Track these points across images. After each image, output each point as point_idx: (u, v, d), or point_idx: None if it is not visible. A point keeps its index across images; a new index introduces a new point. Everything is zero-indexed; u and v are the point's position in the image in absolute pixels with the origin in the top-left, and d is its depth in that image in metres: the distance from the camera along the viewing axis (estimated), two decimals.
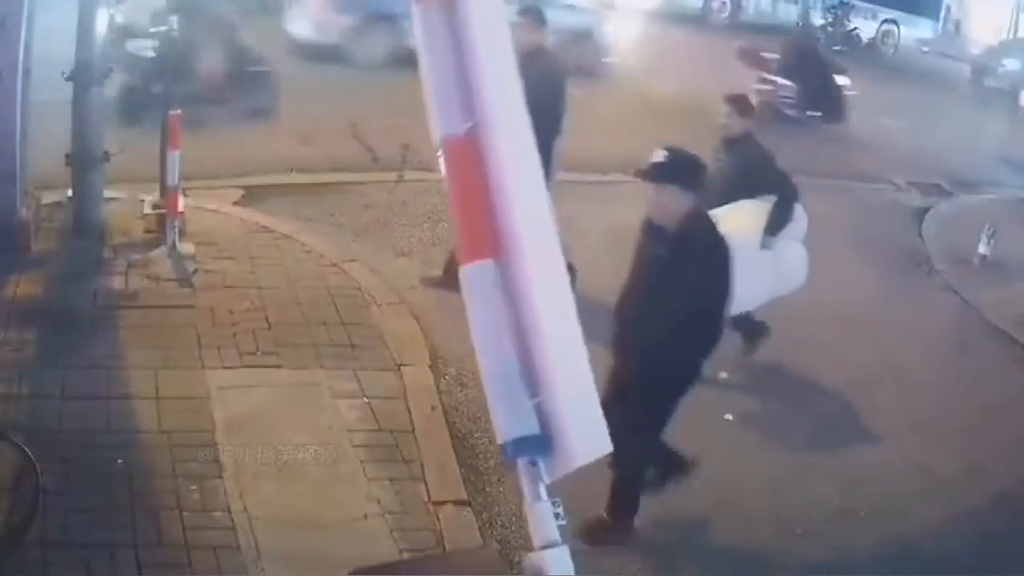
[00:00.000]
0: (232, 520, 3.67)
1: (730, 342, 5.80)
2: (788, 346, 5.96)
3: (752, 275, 4.99)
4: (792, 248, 5.41)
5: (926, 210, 9.00)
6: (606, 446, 1.75)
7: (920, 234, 8.35)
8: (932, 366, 6.07)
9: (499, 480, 4.30)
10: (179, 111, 5.58)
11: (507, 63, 1.65)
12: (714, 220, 3.92)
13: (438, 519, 3.88)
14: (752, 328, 5.57)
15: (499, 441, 1.77)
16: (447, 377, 4.98)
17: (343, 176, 7.38)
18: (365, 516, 3.82)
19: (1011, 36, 20.80)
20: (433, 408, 4.64)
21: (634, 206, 4.02)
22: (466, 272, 1.74)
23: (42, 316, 4.77)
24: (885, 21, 20.53)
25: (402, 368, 4.88)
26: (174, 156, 5.57)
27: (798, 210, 5.38)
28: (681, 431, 4.87)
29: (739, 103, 5.39)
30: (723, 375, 5.49)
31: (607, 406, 1.94)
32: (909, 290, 7.21)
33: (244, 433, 4.14)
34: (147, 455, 3.92)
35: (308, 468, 4.01)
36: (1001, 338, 6.64)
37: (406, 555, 3.67)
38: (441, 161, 1.76)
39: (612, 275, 4.31)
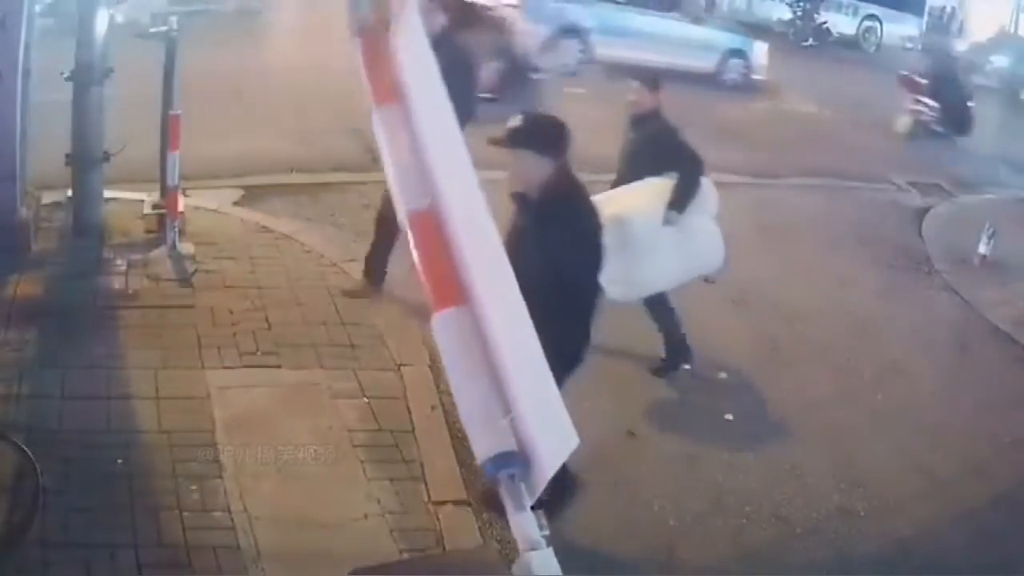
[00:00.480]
0: (232, 520, 3.67)
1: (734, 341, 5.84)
2: (788, 345, 5.98)
3: (656, 253, 4.94)
4: (703, 225, 5.20)
5: (926, 210, 9.00)
6: (573, 441, 1.82)
7: (920, 234, 8.35)
8: (932, 366, 6.08)
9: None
10: (179, 111, 5.57)
11: (454, 149, 1.95)
12: (581, 186, 3.77)
13: (438, 519, 3.88)
14: (669, 323, 5.36)
15: (479, 461, 1.89)
16: (447, 377, 4.96)
17: (343, 176, 7.38)
18: (365, 516, 3.82)
19: (1008, 32, 20.70)
20: (433, 408, 4.63)
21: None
22: (438, 318, 1.94)
23: (42, 316, 4.77)
24: (867, 17, 19.99)
25: (402, 368, 4.88)
26: (174, 156, 5.57)
27: (707, 186, 5.20)
28: (681, 431, 4.91)
29: (649, 79, 5.24)
30: (723, 375, 5.51)
31: None
32: (909, 290, 7.22)
33: (244, 433, 4.14)
34: (147, 455, 3.92)
35: (308, 468, 4.00)
36: (1001, 338, 6.64)
37: (406, 555, 3.67)
38: (408, 231, 2.01)
39: None
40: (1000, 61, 17.91)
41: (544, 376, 1.85)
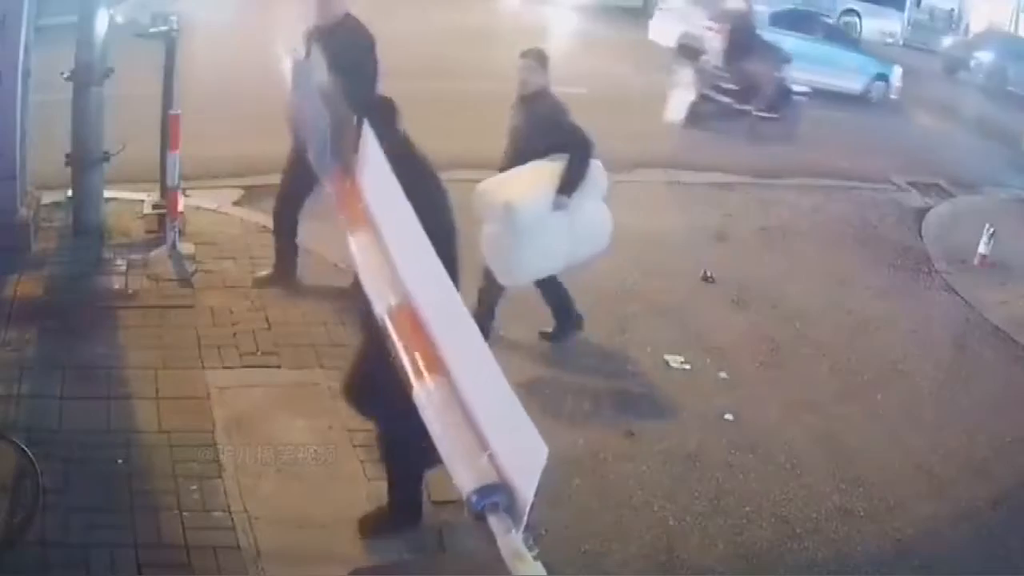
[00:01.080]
0: (232, 520, 3.67)
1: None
2: (788, 345, 5.98)
3: (545, 239, 4.90)
4: (592, 208, 5.13)
5: (926, 210, 9.00)
6: (543, 454, 1.97)
7: (920, 234, 8.35)
8: (932, 366, 6.08)
9: None
10: (179, 111, 5.57)
11: (418, 253, 2.32)
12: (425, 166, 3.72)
13: (438, 519, 3.88)
14: (561, 304, 5.40)
15: (463, 496, 2.05)
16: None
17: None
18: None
19: (993, 27, 20.63)
20: None
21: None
22: (420, 387, 2.21)
23: (42, 316, 4.77)
24: (846, 11, 19.36)
25: None
26: (174, 156, 5.56)
27: (596, 167, 5.12)
28: (682, 431, 4.91)
29: (537, 56, 5.07)
30: (723, 375, 5.51)
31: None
32: (909, 290, 7.22)
33: (244, 433, 4.14)
34: (147, 455, 3.92)
35: (308, 468, 4.00)
36: (1001, 338, 6.64)
37: (406, 555, 3.67)
38: (388, 325, 2.34)
39: None
40: (984, 57, 17.75)
41: (511, 405, 2.05)
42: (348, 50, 4.87)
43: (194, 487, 3.78)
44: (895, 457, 5.02)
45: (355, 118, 2.74)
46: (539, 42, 5.95)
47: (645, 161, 8.82)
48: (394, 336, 2.34)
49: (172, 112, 5.60)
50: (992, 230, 7.72)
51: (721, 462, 4.72)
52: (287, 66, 3.42)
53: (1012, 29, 20.79)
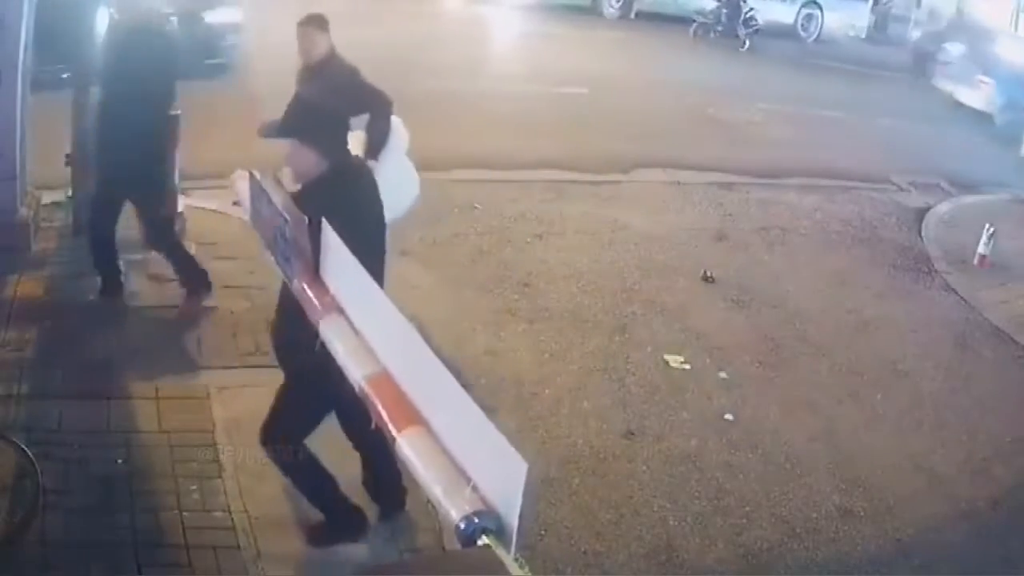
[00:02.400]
0: (232, 520, 3.67)
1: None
2: (788, 345, 5.98)
3: None
4: (396, 163, 4.89)
5: (926, 210, 9.00)
6: (522, 468, 2.03)
7: (920, 234, 8.35)
8: (932, 366, 6.07)
9: None
10: (179, 112, 5.57)
11: (387, 328, 2.56)
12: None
13: (438, 519, 3.87)
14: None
15: (453, 526, 2.11)
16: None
17: None
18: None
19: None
20: None
21: None
22: (402, 438, 2.36)
23: (42, 316, 4.77)
24: (807, 4, 18.38)
25: None
26: (174, 156, 5.55)
27: (396, 123, 4.90)
28: (682, 431, 4.91)
29: (317, 22, 4.87)
30: (723, 375, 5.51)
31: None
32: (909, 290, 7.22)
33: (244, 433, 4.13)
34: (147, 455, 3.92)
35: None
36: (1001, 338, 6.64)
37: (406, 555, 3.67)
38: (368, 391, 2.49)
39: None
40: (954, 49, 16.77)
41: (485, 429, 2.17)
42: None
43: (194, 487, 3.79)
44: (895, 457, 5.03)
45: (309, 219, 2.86)
46: (500, 43, 5.95)
47: (645, 160, 8.84)
48: (375, 401, 2.50)
49: (172, 112, 5.59)
50: (992, 230, 7.72)
51: (721, 462, 4.72)
52: (241, 186, 3.41)
53: (1012, 29, 20.65)
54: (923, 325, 6.62)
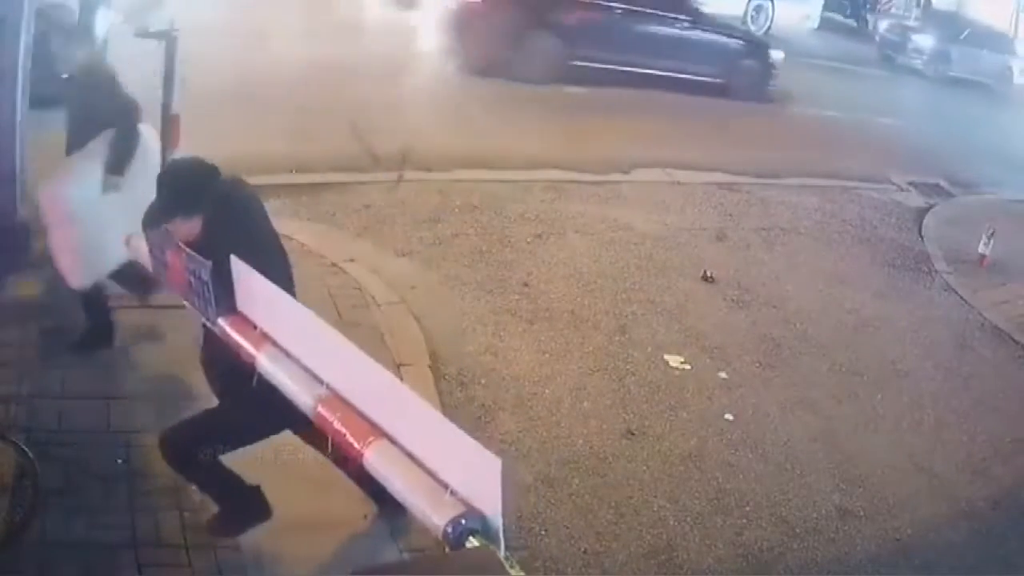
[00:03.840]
0: None
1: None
2: (788, 345, 5.98)
3: (103, 229, 4.24)
4: (147, 178, 4.28)
5: (926, 210, 9.01)
6: (496, 464, 2.11)
7: (920, 234, 8.36)
8: (932, 366, 6.08)
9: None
10: (179, 111, 5.57)
11: (323, 341, 2.69)
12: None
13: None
14: (95, 296, 4.63)
15: (439, 534, 2.16)
16: (447, 377, 4.98)
17: (343, 176, 7.38)
18: (365, 516, 3.81)
19: (1014, 29, 20.38)
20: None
21: None
22: (368, 452, 2.39)
23: (42, 316, 4.77)
24: None
25: (402, 368, 4.88)
26: (173, 156, 5.55)
27: (147, 132, 4.62)
28: (682, 431, 4.92)
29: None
30: (723, 375, 5.51)
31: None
32: (909, 290, 7.22)
33: None
34: (147, 455, 3.91)
35: (308, 468, 3.99)
36: (1001, 338, 6.65)
37: (406, 555, 3.67)
38: (320, 414, 2.56)
39: None
40: (923, 41, 17.03)
41: (452, 435, 2.22)
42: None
43: (194, 487, 3.78)
44: (895, 457, 5.03)
45: (224, 262, 2.87)
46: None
47: (645, 160, 8.84)
48: (331, 422, 2.52)
49: (172, 112, 5.60)
50: (992, 230, 7.72)
51: (721, 462, 4.73)
52: (137, 244, 3.38)
53: (1012, 29, 20.60)
54: (923, 325, 6.62)
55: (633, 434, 4.82)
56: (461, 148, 8.25)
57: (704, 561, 4.09)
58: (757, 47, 11.86)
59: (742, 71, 11.59)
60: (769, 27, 17.45)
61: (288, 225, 6.30)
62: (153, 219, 3.36)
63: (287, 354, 2.79)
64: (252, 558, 3.53)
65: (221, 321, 3.02)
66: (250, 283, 2.84)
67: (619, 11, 10.73)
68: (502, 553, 2.12)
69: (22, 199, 5.39)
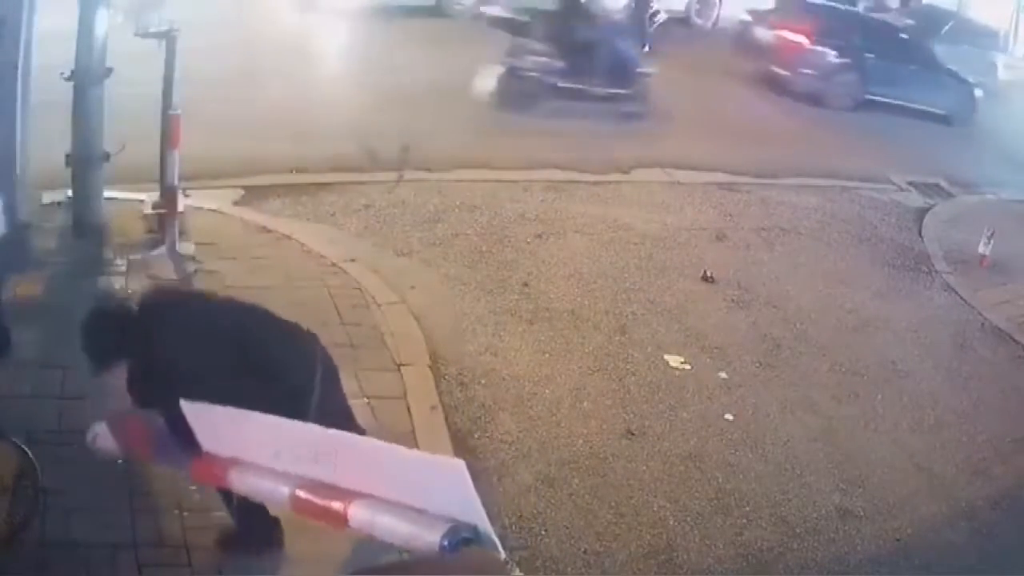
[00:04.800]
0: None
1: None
2: (788, 345, 5.98)
3: None
4: None
5: (926, 210, 9.01)
6: (459, 465, 2.24)
7: (920, 234, 8.35)
8: (932, 366, 6.08)
9: (499, 480, 4.31)
10: (179, 111, 5.57)
11: (283, 442, 2.75)
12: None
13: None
14: None
15: (436, 550, 2.22)
16: (447, 377, 4.98)
17: (343, 176, 7.38)
18: None
19: (1013, 37, 20.22)
20: (433, 408, 4.64)
21: None
22: (351, 513, 2.50)
23: (42, 316, 4.77)
24: None
25: (402, 368, 4.88)
26: (174, 156, 5.57)
27: None
28: (682, 431, 4.92)
29: None
30: (723, 375, 5.51)
31: None
32: (909, 290, 7.22)
33: None
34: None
35: None
36: (1001, 338, 6.64)
37: (406, 555, 3.67)
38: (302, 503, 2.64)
39: None
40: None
41: (407, 460, 2.37)
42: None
43: (194, 487, 3.78)
44: (895, 457, 5.03)
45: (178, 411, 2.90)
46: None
47: (644, 161, 8.83)
48: (311, 503, 2.62)
49: (172, 112, 5.60)
50: (992, 230, 7.72)
51: (721, 462, 4.73)
52: (101, 431, 3.38)
53: (1012, 30, 20.56)
54: (923, 325, 6.62)
55: (633, 434, 4.82)
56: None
57: (704, 561, 4.09)
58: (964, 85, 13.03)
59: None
60: (717, 21, 16.15)
61: (288, 225, 6.34)
62: (99, 365, 3.33)
63: (254, 464, 2.89)
64: (252, 558, 3.53)
65: (192, 468, 3.09)
66: (202, 417, 2.94)
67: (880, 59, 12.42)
68: (500, 555, 2.14)
69: (22, 200, 5.39)
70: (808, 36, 12.10)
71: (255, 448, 2.84)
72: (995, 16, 19.99)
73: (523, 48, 8.98)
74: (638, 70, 9.53)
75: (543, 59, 9.00)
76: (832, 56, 12.10)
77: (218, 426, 2.90)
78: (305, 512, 2.68)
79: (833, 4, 13.61)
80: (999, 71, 16.95)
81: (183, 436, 2.98)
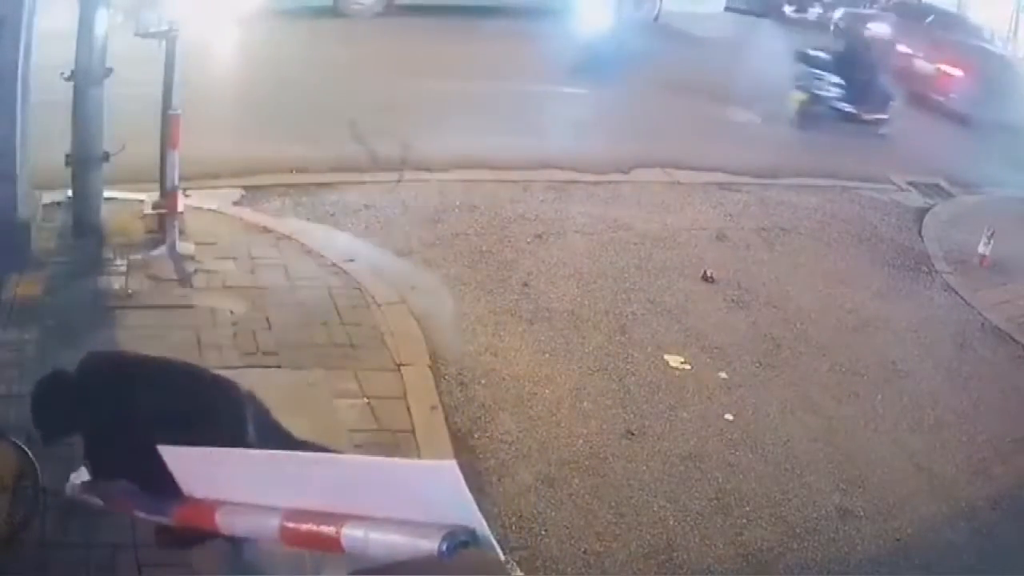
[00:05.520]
0: None
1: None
2: (788, 345, 5.98)
3: None
4: None
5: (926, 210, 9.01)
6: (450, 464, 2.14)
7: (920, 234, 8.35)
8: (932, 366, 6.08)
9: (499, 480, 4.31)
10: (179, 111, 5.57)
11: (264, 472, 2.73)
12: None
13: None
14: None
15: (435, 552, 2.17)
16: (447, 377, 4.98)
17: (343, 176, 7.38)
18: None
19: (1013, 37, 20.17)
20: (433, 408, 4.64)
21: None
22: (344, 529, 2.46)
23: (42, 316, 4.77)
24: None
25: (402, 368, 4.88)
26: (174, 156, 5.57)
27: None
28: (682, 431, 4.91)
29: None
30: (723, 375, 5.51)
31: None
32: (909, 290, 7.22)
33: None
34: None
35: None
36: (1001, 338, 6.65)
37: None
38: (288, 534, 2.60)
39: None
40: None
41: (392, 471, 2.36)
42: None
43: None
44: (895, 457, 5.03)
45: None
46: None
47: (645, 160, 8.84)
48: (306, 534, 2.59)
49: (172, 112, 5.60)
50: (992, 230, 7.72)
51: (721, 462, 4.73)
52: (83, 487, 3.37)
53: (1012, 30, 20.53)
54: (923, 325, 6.62)
55: (633, 434, 4.82)
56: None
57: (704, 561, 4.09)
58: None
59: None
60: (657, 16, 15.51)
61: (288, 225, 6.34)
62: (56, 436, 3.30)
63: (239, 503, 2.86)
64: (251, 558, 3.53)
65: (174, 514, 3.01)
66: (181, 461, 2.89)
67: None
68: (500, 557, 2.13)
69: (22, 198, 5.39)
70: (963, 70, 13.63)
71: (237, 485, 2.83)
72: (995, 16, 19.95)
73: (822, 78, 11.16)
74: (892, 101, 11.57)
75: (836, 89, 11.16)
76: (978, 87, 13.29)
77: (198, 468, 2.87)
78: (297, 542, 2.67)
79: (985, 46, 15.14)
80: None
81: (160, 486, 2.92)
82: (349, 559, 2.78)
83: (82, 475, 3.37)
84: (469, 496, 2.11)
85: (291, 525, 2.60)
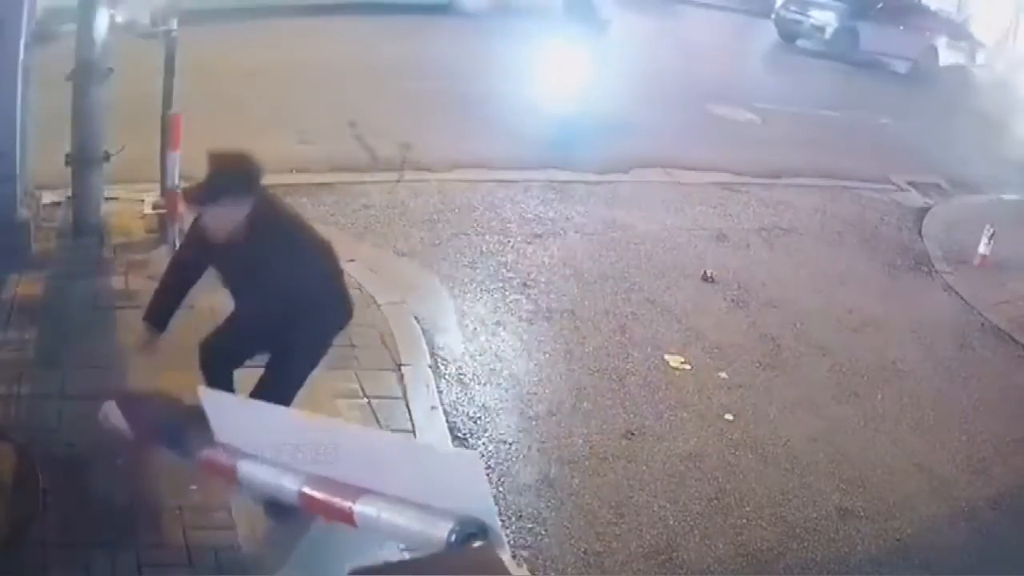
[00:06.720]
0: (232, 520, 3.66)
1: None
2: (788, 345, 5.98)
3: None
4: None
5: (926, 210, 9.01)
6: (474, 456, 2.41)
7: (920, 234, 8.35)
8: (932, 366, 6.08)
9: (499, 480, 4.31)
10: (179, 111, 5.58)
11: (292, 433, 2.81)
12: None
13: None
14: None
15: (446, 546, 2.20)
16: (447, 377, 4.98)
17: (343, 176, 7.38)
18: None
19: (1013, 37, 20.14)
20: (433, 408, 4.64)
21: None
22: (356, 511, 2.48)
23: (42, 316, 4.77)
24: None
25: (402, 368, 4.88)
26: (174, 156, 5.57)
27: None
28: (682, 431, 4.91)
29: None
30: (723, 375, 5.51)
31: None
32: (909, 290, 7.22)
33: None
34: (147, 455, 3.91)
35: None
36: (1001, 338, 6.65)
37: (406, 555, 3.67)
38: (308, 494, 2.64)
39: None
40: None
41: (420, 453, 2.41)
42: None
43: (194, 487, 3.78)
44: (895, 457, 5.03)
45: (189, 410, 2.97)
46: None
47: (645, 160, 8.83)
48: (322, 503, 2.62)
49: (172, 112, 5.61)
50: (992, 230, 7.72)
51: (721, 462, 4.72)
52: (113, 414, 3.45)
53: (1012, 30, 20.46)
54: (923, 325, 6.62)
55: (633, 434, 4.82)
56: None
57: (704, 561, 4.08)
58: None
59: None
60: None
61: None
62: (200, 198, 3.43)
63: (264, 459, 2.91)
64: (252, 557, 3.53)
65: (202, 455, 3.09)
66: (220, 405, 2.99)
67: None
68: (507, 552, 2.14)
69: (23, 197, 5.39)
70: None
71: (268, 441, 2.83)
72: (995, 16, 19.89)
73: None
74: None
75: None
76: None
77: (234, 417, 2.88)
78: (313, 509, 2.66)
79: None
80: (939, 54, 16.34)
81: (201, 431, 3.00)
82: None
83: (112, 406, 3.39)
84: (487, 488, 2.12)
85: (308, 491, 2.60)
